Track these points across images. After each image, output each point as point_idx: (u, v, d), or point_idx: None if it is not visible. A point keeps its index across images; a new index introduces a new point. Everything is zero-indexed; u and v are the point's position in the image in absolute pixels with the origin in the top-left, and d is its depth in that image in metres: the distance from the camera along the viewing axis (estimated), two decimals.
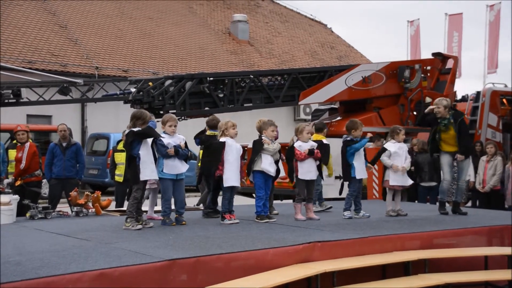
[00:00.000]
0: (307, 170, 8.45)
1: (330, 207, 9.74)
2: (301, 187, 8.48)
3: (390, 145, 9.22)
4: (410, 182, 9.29)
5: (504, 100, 15.92)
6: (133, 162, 7.36)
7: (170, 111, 12.62)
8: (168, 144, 7.80)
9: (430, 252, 7.10)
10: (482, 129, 15.17)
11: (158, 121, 8.02)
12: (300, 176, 8.44)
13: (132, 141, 7.36)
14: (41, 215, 8.62)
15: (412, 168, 11.33)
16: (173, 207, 8.09)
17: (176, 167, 7.88)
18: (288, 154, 8.58)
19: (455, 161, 9.48)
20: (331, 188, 10.54)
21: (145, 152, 7.42)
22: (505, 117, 15.75)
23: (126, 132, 7.61)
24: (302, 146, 8.46)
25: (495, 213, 9.95)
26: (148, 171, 7.43)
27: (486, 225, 8.17)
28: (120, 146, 10.66)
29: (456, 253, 7.33)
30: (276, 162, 8.38)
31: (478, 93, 16.00)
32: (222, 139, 8.12)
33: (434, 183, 12.22)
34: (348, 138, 8.88)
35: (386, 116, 14.76)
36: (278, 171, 8.47)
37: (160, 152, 7.73)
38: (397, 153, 9.13)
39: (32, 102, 12.83)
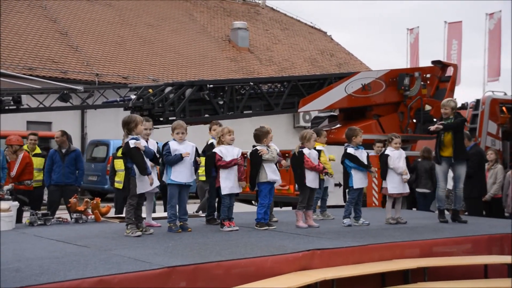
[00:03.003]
0: (314, 178, 8.46)
1: (332, 219, 9.70)
2: (305, 195, 8.46)
3: (390, 152, 9.22)
4: (408, 189, 9.26)
5: (504, 108, 15.95)
6: (129, 174, 7.38)
7: (169, 118, 12.65)
8: (176, 151, 7.85)
9: (430, 260, 7.08)
10: (481, 137, 15.17)
11: (156, 128, 8.04)
12: (308, 183, 8.41)
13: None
14: (41, 221, 8.60)
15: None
16: None
17: (184, 175, 7.91)
18: (296, 161, 8.48)
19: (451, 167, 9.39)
20: (330, 195, 10.49)
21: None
22: (505, 125, 15.76)
23: (125, 140, 7.57)
24: (311, 153, 8.46)
25: (495, 221, 9.92)
26: (142, 184, 7.42)
27: (486, 233, 8.16)
28: (120, 152, 10.64)
29: (455, 261, 7.31)
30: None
31: (477, 101, 16.00)
32: (215, 149, 8.08)
33: (428, 190, 12.20)
34: (350, 147, 8.88)
35: (386, 124, 14.77)
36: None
37: (168, 161, 7.81)
38: (399, 159, 9.14)
39: (32, 108, 12.85)
